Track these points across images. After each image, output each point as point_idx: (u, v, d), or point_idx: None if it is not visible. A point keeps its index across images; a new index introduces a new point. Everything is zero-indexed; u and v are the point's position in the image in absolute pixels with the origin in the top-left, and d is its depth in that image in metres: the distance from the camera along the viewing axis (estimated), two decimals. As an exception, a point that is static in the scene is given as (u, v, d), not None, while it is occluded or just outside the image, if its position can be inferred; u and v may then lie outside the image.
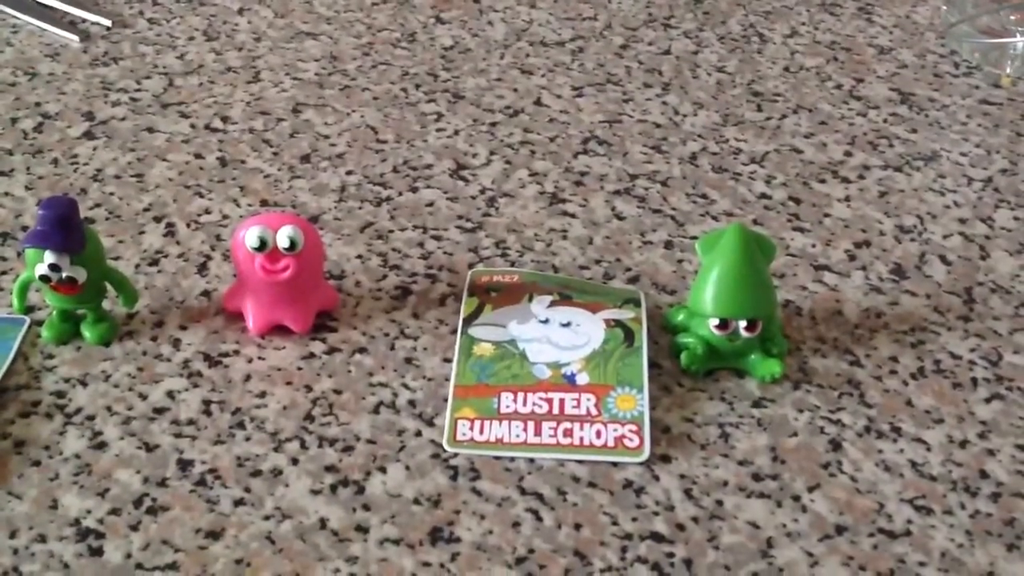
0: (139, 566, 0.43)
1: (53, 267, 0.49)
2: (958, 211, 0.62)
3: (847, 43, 0.76)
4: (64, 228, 0.49)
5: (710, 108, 0.70)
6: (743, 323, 0.51)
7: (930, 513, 0.47)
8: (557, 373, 0.52)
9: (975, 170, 0.65)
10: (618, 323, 0.54)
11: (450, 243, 0.59)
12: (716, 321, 0.51)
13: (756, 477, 0.48)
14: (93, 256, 0.51)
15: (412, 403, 0.50)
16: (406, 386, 0.51)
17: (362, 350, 0.53)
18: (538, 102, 0.70)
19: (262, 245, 0.51)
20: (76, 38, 0.72)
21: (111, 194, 0.61)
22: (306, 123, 0.67)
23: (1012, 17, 0.73)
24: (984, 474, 0.48)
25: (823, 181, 0.64)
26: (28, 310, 0.53)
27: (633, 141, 0.67)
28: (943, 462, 0.49)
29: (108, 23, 0.74)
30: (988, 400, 0.52)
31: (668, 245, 0.59)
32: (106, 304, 0.53)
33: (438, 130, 0.67)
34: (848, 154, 0.66)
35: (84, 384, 0.51)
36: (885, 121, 0.69)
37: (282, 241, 0.51)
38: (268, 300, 0.53)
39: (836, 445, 0.49)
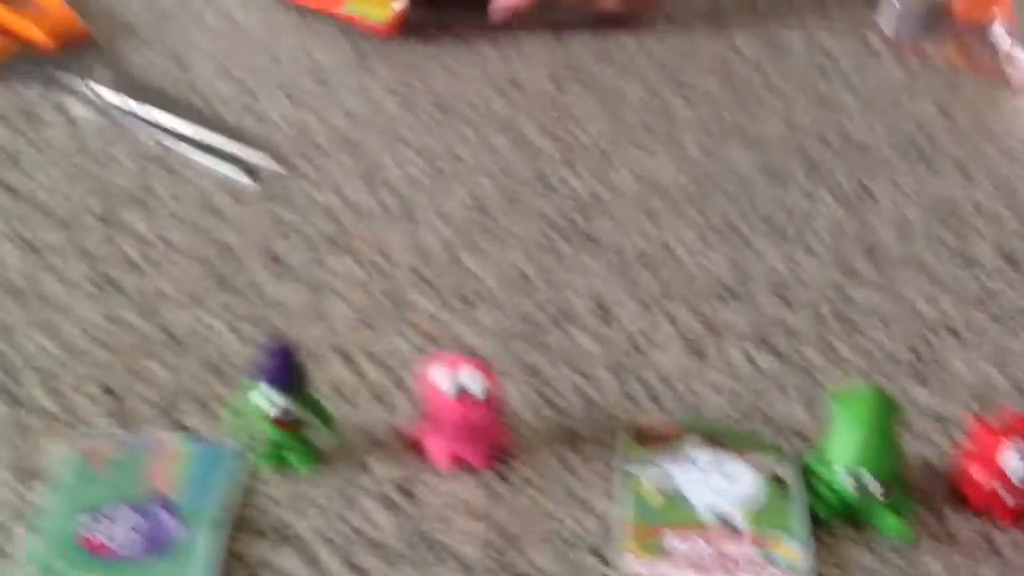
0: None
1: (285, 411, 0.56)
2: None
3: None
4: (291, 371, 0.57)
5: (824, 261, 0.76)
6: (874, 481, 0.57)
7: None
8: (717, 517, 0.58)
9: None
10: (771, 472, 0.60)
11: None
12: (849, 478, 0.57)
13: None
14: (309, 394, 0.58)
15: (584, 539, 0.57)
16: (579, 522, 0.58)
17: (532, 483, 0.59)
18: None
19: (458, 390, 0.58)
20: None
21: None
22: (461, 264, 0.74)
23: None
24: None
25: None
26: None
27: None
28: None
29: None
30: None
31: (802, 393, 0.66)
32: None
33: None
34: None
35: (298, 510, 0.58)
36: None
37: (474, 387, 0.58)
38: (455, 437, 0.60)
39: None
